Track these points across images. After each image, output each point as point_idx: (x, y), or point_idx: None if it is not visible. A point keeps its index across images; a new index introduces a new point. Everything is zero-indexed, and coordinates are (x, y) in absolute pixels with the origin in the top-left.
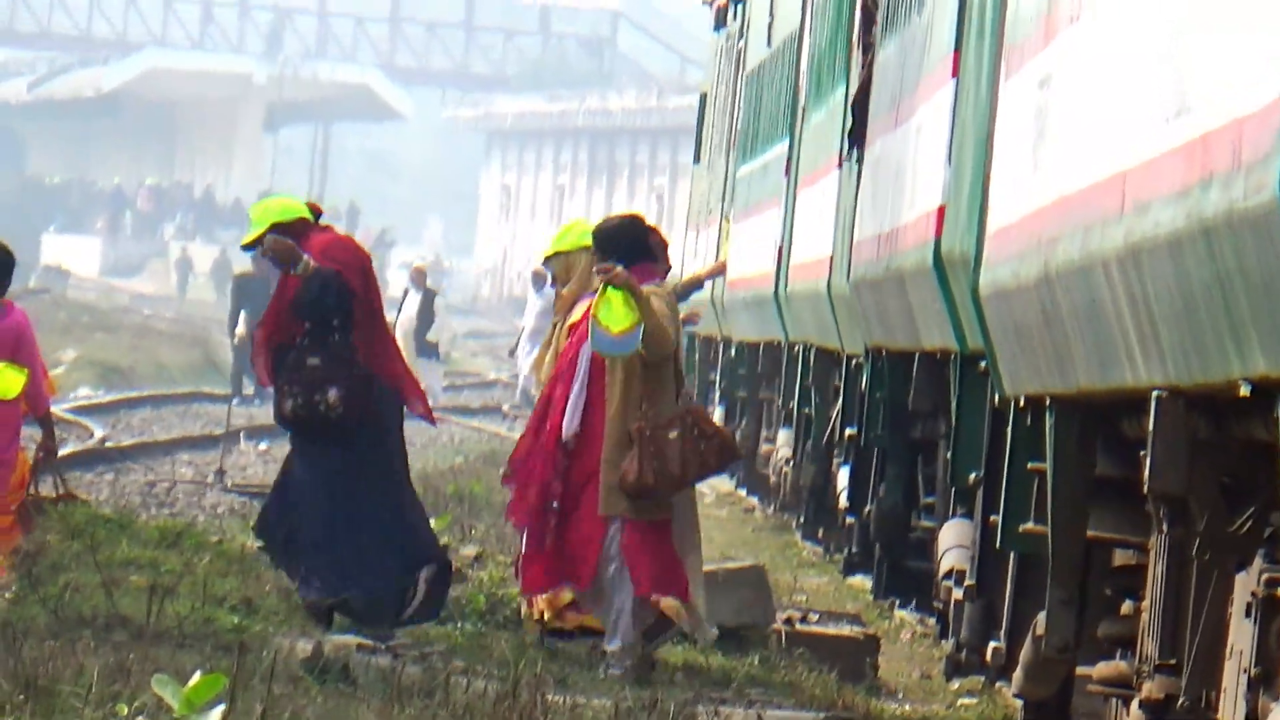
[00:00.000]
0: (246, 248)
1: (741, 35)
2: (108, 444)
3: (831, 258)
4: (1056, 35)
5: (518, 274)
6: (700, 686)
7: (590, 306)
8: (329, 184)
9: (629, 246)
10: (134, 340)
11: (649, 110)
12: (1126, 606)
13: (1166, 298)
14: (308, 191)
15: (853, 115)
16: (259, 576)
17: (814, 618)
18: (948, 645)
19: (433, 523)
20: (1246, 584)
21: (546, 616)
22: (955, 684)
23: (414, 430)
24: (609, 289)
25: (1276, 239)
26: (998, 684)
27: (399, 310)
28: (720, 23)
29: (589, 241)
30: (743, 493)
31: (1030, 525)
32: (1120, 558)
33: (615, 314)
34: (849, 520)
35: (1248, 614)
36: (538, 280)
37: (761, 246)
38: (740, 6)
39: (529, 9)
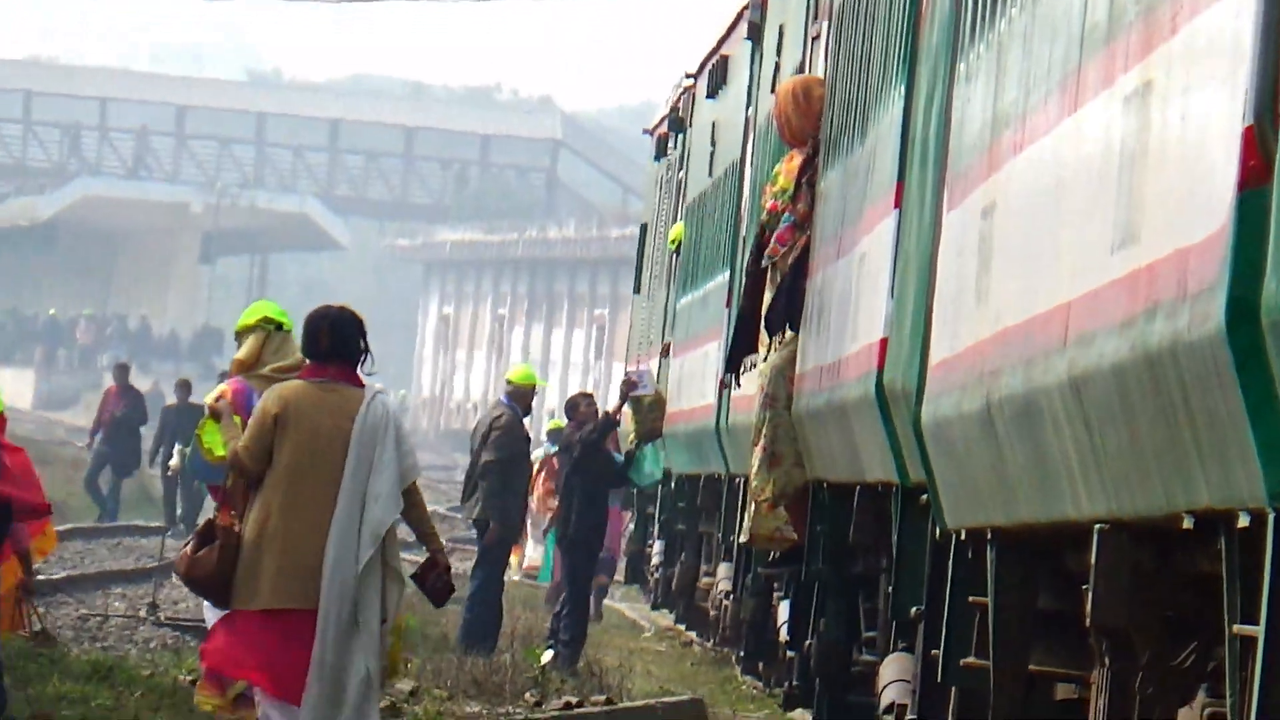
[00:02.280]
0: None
1: (682, 165)
2: (39, 576)
3: None
4: (1000, 165)
5: (457, 406)
6: None
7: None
8: None
9: (308, 342)
10: (68, 473)
11: (589, 240)
12: None
13: (1110, 430)
14: None
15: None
16: (192, 712)
17: None
18: None
19: None
20: (1190, 718)
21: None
22: None
23: None
24: (210, 419)
25: (1221, 370)
26: None
27: None
28: (661, 152)
29: (253, 320)
30: (682, 627)
31: (972, 659)
32: (1062, 691)
33: (216, 439)
34: (789, 654)
35: None
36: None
37: (702, 379)
38: (681, 136)
39: (468, 139)
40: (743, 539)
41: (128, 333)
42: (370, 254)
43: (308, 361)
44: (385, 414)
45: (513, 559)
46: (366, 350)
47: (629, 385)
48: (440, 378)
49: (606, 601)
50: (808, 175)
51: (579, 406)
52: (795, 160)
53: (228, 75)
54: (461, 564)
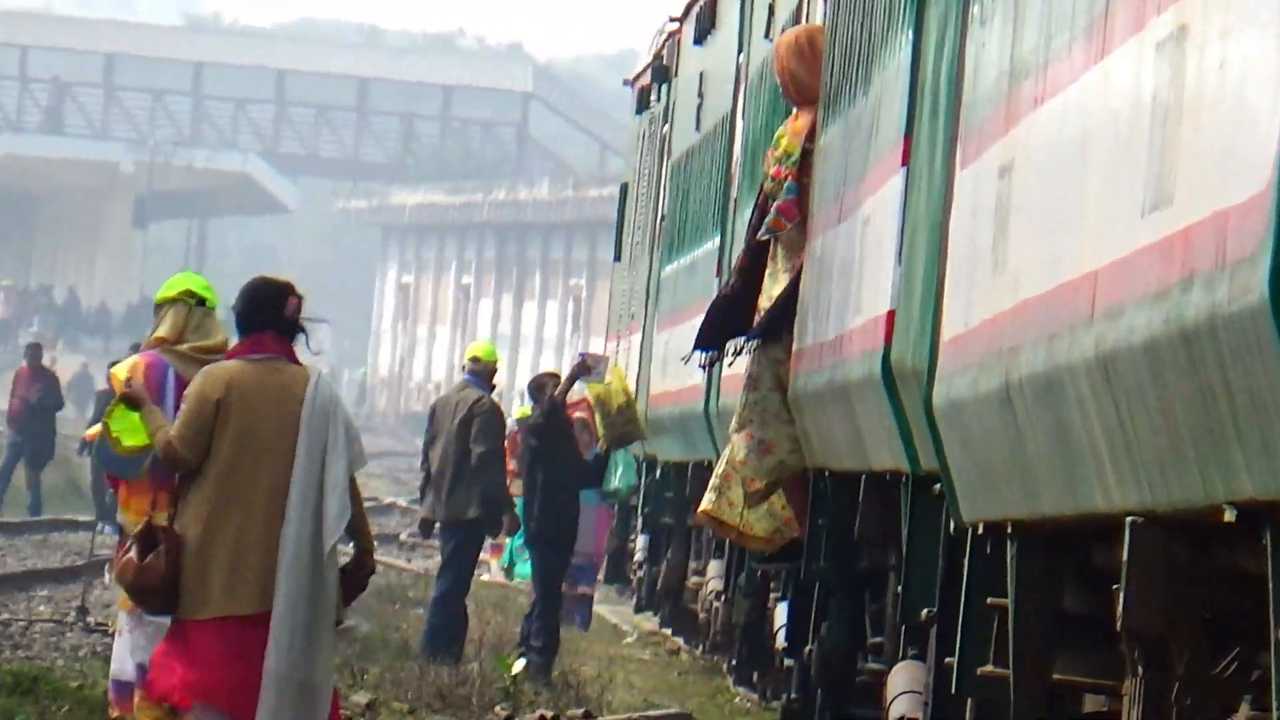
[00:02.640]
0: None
1: (666, 119)
2: None
3: None
4: (1019, 119)
5: (417, 386)
6: None
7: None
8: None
9: (249, 314)
10: None
11: (564, 202)
12: None
13: (1142, 412)
14: None
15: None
16: None
17: None
18: None
19: None
20: None
21: None
22: None
23: None
24: (122, 403)
25: (1265, 345)
26: None
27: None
28: (643, 105)
29: (174, 292)
30: (668, 632)
31: (990, 668)
32: (1091, 703)
33: (126, 427)
34: (787, 662)
35: None
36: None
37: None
38: (665, 88)
39: (429, 91)
40: (702, 517)
41: (53, 305)
42: (321, 218)
43: (235, 339)
44: (332, 395)
45: (492, 560)
46: (300, 327)
47: (581, 368)
48: (399, 354)
49: None
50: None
51: (545, 387)
52: (801, 120)
53: (161, 19)
54: (426, 561)
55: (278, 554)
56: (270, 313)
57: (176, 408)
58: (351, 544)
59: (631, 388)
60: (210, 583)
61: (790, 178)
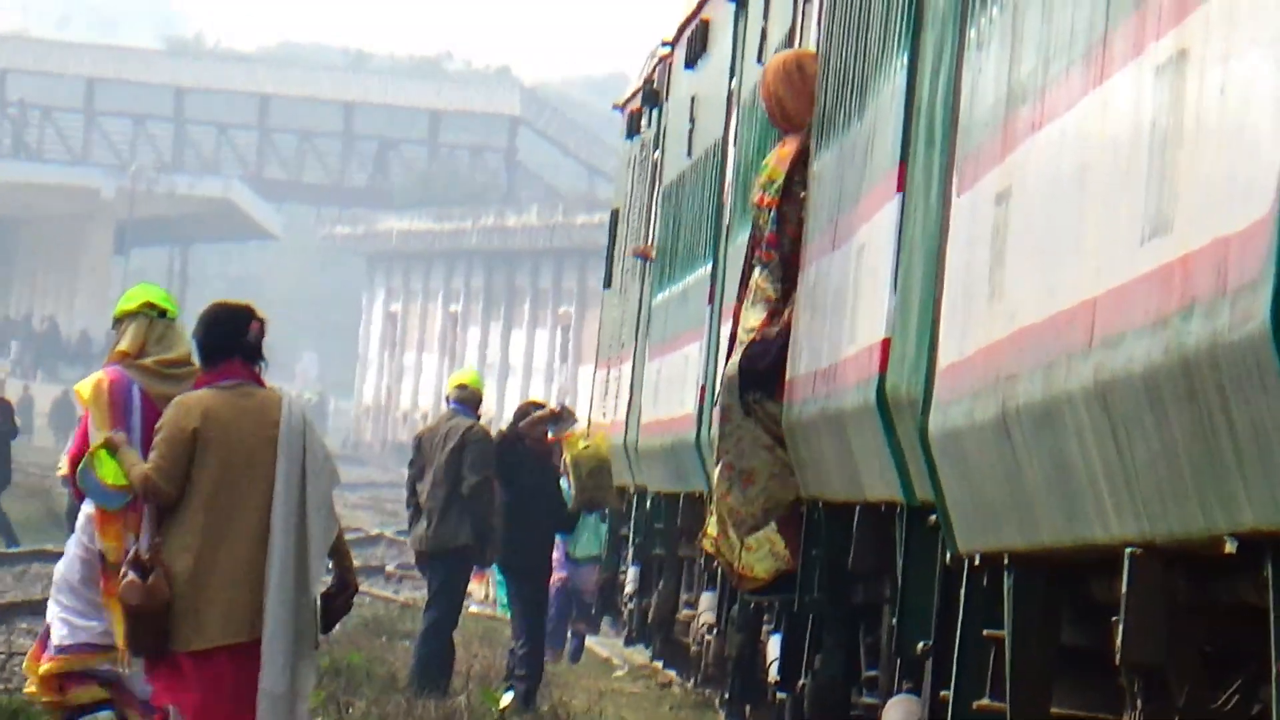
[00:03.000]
0: None
1: (657, 144)
2: None
3: None
4: (1016, 144)
5: (404, 415)
6: None
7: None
8: (187, 313)
9: (213, 342)
10: None
11: (553, 229)
12: None
13: (1141, 442)
14: None
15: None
16: None
17: None
18: None
19: None
20: None
21: None
22: None
23: None
24: (103, 448)
25: (1266, 374)
26: None
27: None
28: (633, 130)
29: (134, 305)
30: (659, 664)
31: (986, 701)
32: None
33: (109, 469)
34: (780, 695)
35: None
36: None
37: (682, 384)
38: (656, 112)
39: (415, 115)
40: (709, 547)
41: (33, 334)
42: (306, 245)
43: (197, 364)
44: (305, 417)
45: (475, 587)
46: (262, 350)
47: (554, 416)
48: (386, 383)
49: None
50: (804, 170)
51: (528, 415)
52: (788, 147)
53: (142, 43)
54: (414, 593)
55: (264, 578)
56: (234, 338)
57: (143, 422)
58: (331, 565)
59: (610, 439)
60: (205, 613)
61: (771, 205)
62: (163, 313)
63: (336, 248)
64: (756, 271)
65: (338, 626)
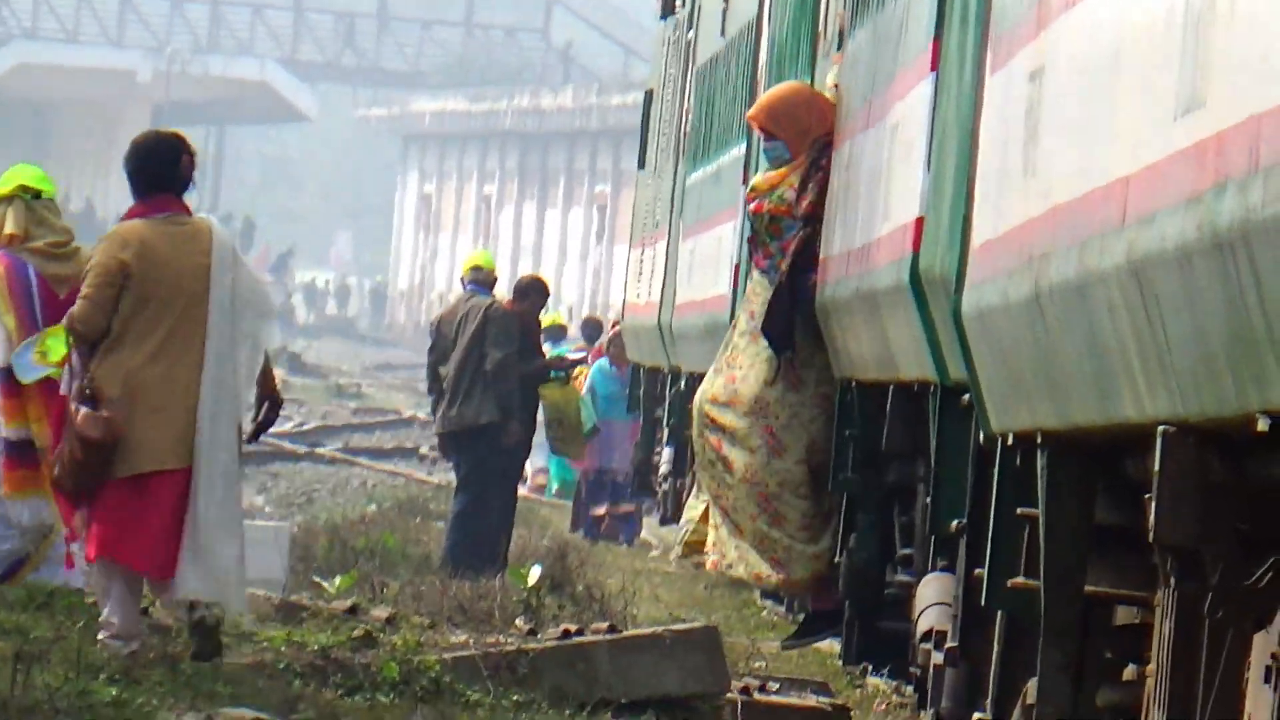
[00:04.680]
0: None
1: (691, 24)
2: None
3: None
4: (1050, 22)
5: (439, 296)
6: None
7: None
8: (223, 194)
9: (145, 174)
10: None
11: (587, 110)
12: (1129, 671)
13: (1174, 320)
14: (198, 203)
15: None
16: (140, 643)
17: (774, 686)
18: (927, 716)
19: (336, 579)
20: (1266, 645)
21: None
22: None
23: (320, 476)
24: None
25: None
26: None
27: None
28: (668, 11)
29: (8, 189)
30: None
31: (1020, 580)
32: (1123, 616)
33: (56, 350)
34: None
35: (1267, 679)
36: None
37: (716, 264)
38: None
39: None
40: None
41: (69, 215)
42: (340, 126)
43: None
44: (233, 245)
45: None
46: (192, 181)
47: (560, 363)
48: (420, 265)
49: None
50: (814, 177)
51: (529, 293)
52: (786, 174)
53: None
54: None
55: (196, 408)
56: (166, 171)
57: (45, 303)
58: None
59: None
60: (133, 439)
61: (774, 213)
62: (38, 194)
63: (371, 129)
64: (756, 275)
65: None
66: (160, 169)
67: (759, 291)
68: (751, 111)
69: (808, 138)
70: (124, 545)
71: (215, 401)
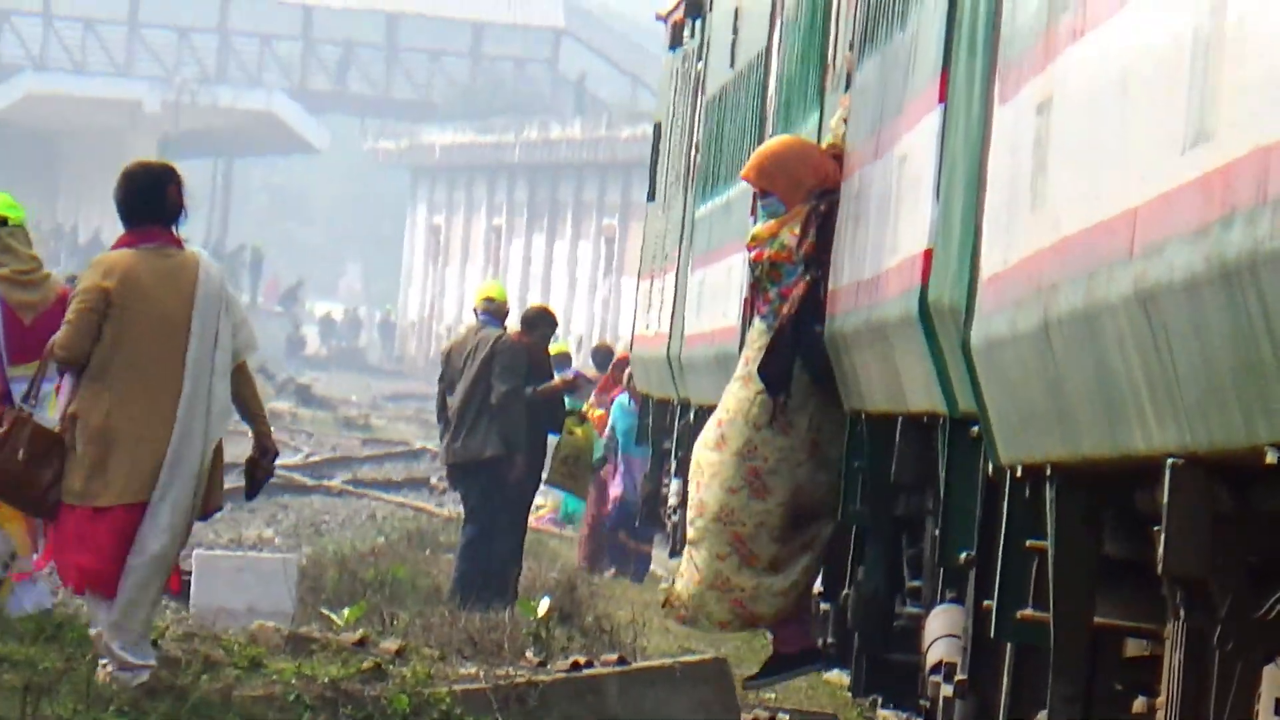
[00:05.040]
0: None
1: (700, 56)
2: None
3: None
4: (1058, 53)
5: (448, 329)
6: None
7: None
8: (231, 225)
9: (133, 204)
10: None
11: (596, 141)
12: (1139, 703)
13: (1182, 352)
14: (206, 233)
15: None
16: (150, 674)
17: (784, 718)
18: None
19: (344, 611)
20: (1275, 678)
21: None
22: None
23: (329, 507)
24: None
25: None
26: None
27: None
28: (676, 41)
29: None
30: None
31: (1029, 611)
32: (1132, 648)
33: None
34: (824, 607)
35: (1276, 711)
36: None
37: (725, 295)
38: (699, 23)
39: (458, 27)
40: (677, 612)
41: (77, 246)
42: (349, 157)
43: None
44: (221, 280)
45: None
46: (182, 212)
47: (570, 384)
48: (429, 296)
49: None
50: (814, 222)
51: (535, 320)
52: (786, 220)
53: None
54: (457, 506)
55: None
56: (154, 201)
57: (7, 329)
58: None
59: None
60: (113, 470)
61: (774, 260)
62: (3, 220)
63: (380, 161)
64: (755, 321)
65: (381, 539)
66: (147, 199)
67: (756, 338)
68: (744, 170)
69: (802, 189)
70: (104, 575)
71: (187, 434)
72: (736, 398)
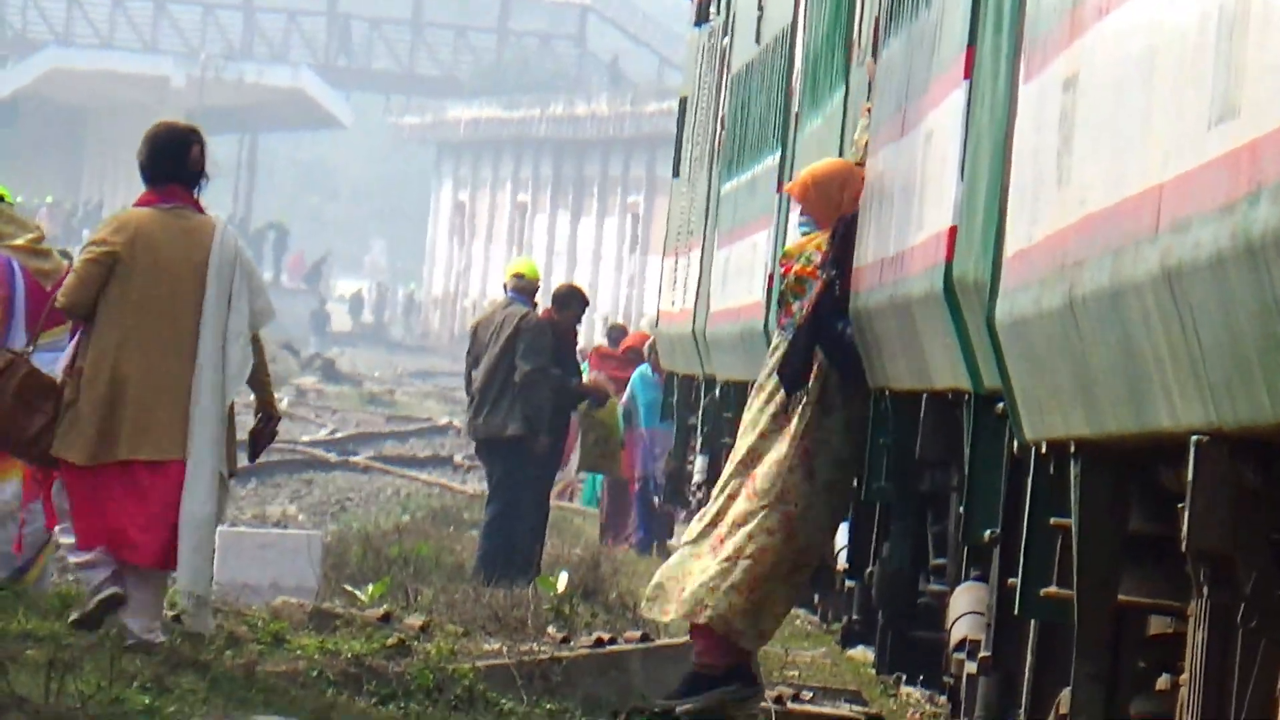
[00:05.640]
0: None
1: (726, 32)
2: None
3: None
4: (1084, 30)
5: (473, 304)
6: None
7: None
8: (256, 201)
9: (155, 165)
10: None
11: (622, 117)
12: (1163, 681)
13: (1208, 328)
14: (231, 209)
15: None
16: (173, 650)
17: (808, 695)
18: None
19: (369, 587)
20: None
21: None
22: None
23: (353, 484)
24: None
25: None
26: None
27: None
28: (702, 18)
29: None
30: None
31: (1054, 589)
32: (1156, 625)
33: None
34: (848, 584)
35: None
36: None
37: (750, 272)
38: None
39: (485, 4)
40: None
41: (102, 221)
42: (375, 134)
43: (144, 188)
44: (237, 244)
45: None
46: (204, 175)
47: (591, 390)
48: (454, 273)
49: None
50: (835, 245)
51: (566, 299)
52: (815, 238)
53: None
54: (481, 484)
55: (186, 401)
56: (175, 162)
57: (30, 297)
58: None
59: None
60: (118, 427)
61: (801, 275)
62: None
63: (405, 137)
64: (776, 334)
65: (406, 517)
66: (169, 158)
67: (775, 350)
68: (790, 184)
69: (837, 213)
70: (110, 531)
71: (209, 396)
72: (751, 410)
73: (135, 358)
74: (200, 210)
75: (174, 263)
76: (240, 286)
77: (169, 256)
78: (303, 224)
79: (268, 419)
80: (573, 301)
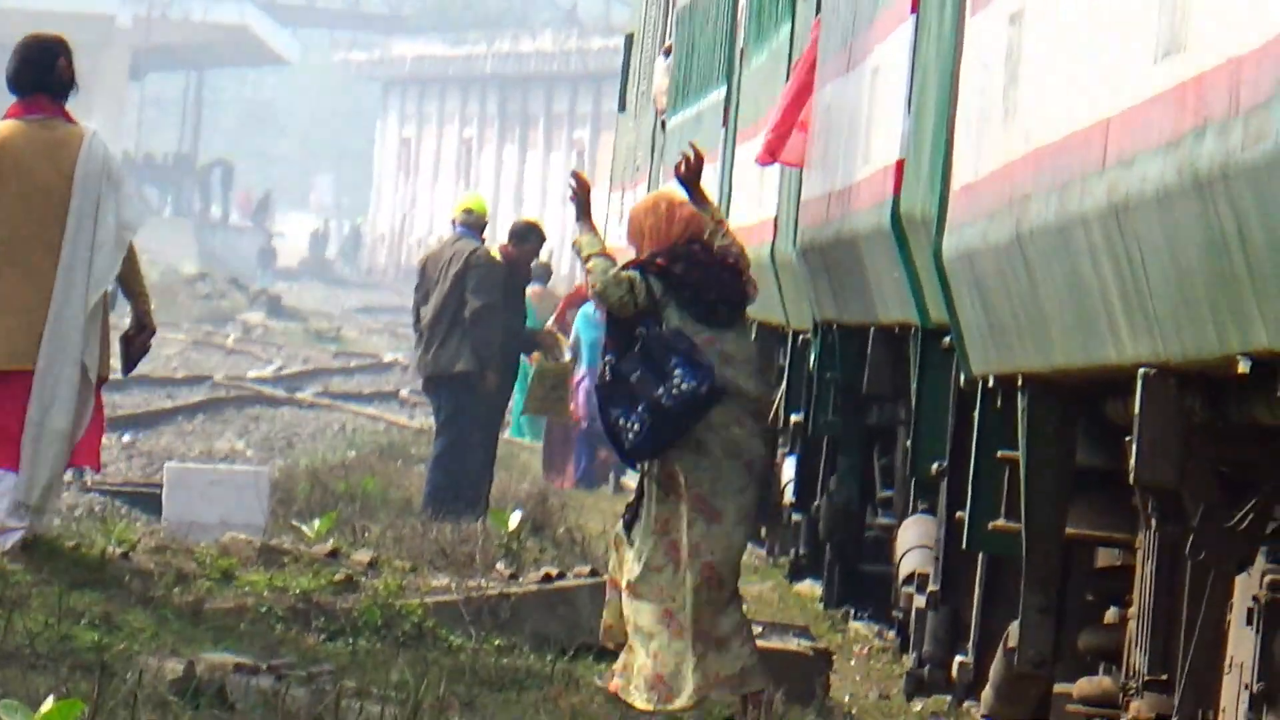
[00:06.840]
0: None
1: None
2: None
3: (775, 219)
4: None
5: (419, 240)
6: (626, 710)
7: None
8: (202, 138)
9: (21, 75)
10: None
11: (568, 54)
12: (1111, 614)
13: (1155, 262)
14: (178, 146)
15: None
16: (122, 587)
17: (756, 630)
18: (909, 660)
19: (316, 523)
20: (1248, 587)
21: None
22: (917, 704)
23: (300, 420)
24: None
25: (1279, 193)
26: (965, 703)
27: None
28: None
29: None
30: None
31: (1001, 522)
32: (1104, 558)
33: None
34: (795, 518)
35: (1249, 621)
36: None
37: None
38: None
39: None
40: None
41: None
42: (320, 70)
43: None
44: (105, 155)
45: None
46: (72, 85)
47: (545, 340)
48: (400, 209)
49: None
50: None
51: (527, 236)
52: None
53: None
54: (427, 419)
55: (45, 311)
56: (42, 73)
57: None
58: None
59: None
60: None
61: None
62: None
63: (351, 73)
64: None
65: (353, 452)
66: (35, 69)
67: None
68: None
69: (644, 241)
70: None
71: (65, 305)
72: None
73: (8, 269)
74: (70, 121)
75: (40, 174)
76: (108, 196)
77: (34, 167)
78: (249, 161)
79: (140, 328)
80: (530, 236)
